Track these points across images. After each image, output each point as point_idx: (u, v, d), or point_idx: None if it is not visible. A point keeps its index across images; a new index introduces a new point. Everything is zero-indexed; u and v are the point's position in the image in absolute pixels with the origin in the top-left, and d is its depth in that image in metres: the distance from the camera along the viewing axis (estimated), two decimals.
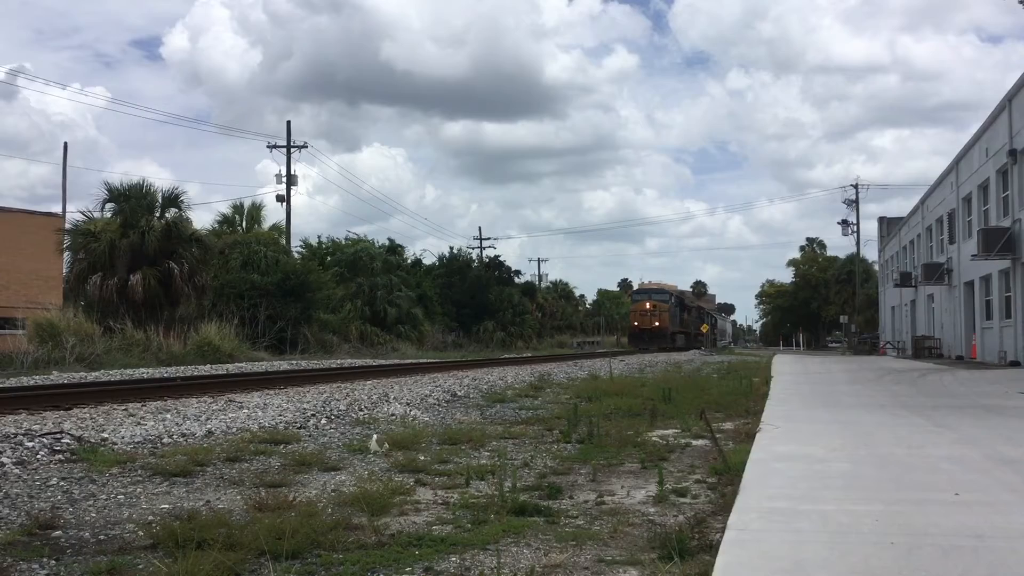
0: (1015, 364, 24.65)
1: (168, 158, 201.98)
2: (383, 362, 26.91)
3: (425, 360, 28.63)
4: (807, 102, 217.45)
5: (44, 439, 7.20)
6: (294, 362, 26.79)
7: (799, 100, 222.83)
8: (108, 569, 3.83)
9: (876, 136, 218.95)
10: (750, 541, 3.85)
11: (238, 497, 5.40)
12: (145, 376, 17.29)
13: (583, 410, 10.50)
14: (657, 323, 58.08)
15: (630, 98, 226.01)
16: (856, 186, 59.68)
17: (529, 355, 39.03)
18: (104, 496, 5.46)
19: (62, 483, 5.82)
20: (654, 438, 8.45)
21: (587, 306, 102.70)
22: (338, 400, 11.59)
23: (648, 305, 59.34)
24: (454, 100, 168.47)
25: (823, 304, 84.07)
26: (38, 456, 6.69)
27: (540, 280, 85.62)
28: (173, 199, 31.47)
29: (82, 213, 32.42)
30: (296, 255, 42.47)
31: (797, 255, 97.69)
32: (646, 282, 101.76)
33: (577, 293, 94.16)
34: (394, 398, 12.23)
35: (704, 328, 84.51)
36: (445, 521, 4.85)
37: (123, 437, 7.67)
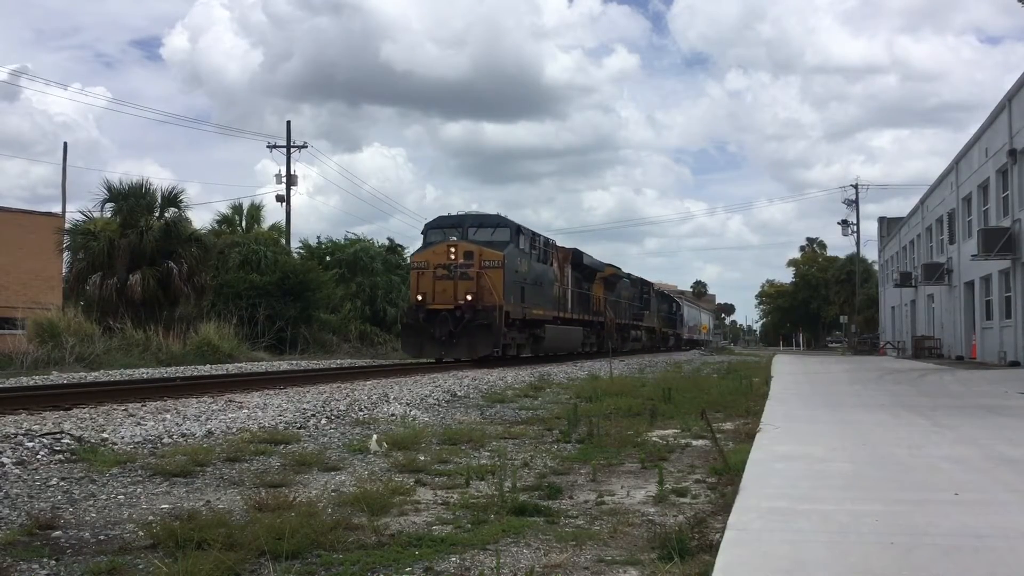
0: (1015, 364, 24.65)
1: (168, 158, 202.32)
2: (383, 362, 26.86)
3: (425, 360, 28.57)
4: (806, 102, 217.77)
5: (44, 439, 7.19)
6: (294, 362, 26.78)
7: (798, 100, 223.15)
8: (108, 569, 3.83)
9: (875, 136, 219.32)
10: (750, 541, 3.85)
11: (238, 497, 5.40)
12: (145, 376, 17.28)
13: (583, 410, 10.50)
14: (469, 295, 23.03)
15: (630, 99, 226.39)
16: (856, 186, 59.77)
17: (528, 355, 38.91)
18: (104, 496, 5.46)
19: (62, 483, 5.81)
20: (654, 438, 8.45)
21: None
22: (338, 400, 11.59)
23: (451, 254, 23.53)
24: (454, 100, 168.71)
25: (823, 304, 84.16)
26: (38, 456, 6.69)
27: None
28: (172, 199, 31.47)
29: (82, 213, 32.43)
30: (296, 255, 42.48)
31: (797, 255, 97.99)
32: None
33: None
34: (394, 398, 12.22)
35: (704, 328, 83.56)
36: (445, 521, 4.85)
37: (123, 437, 7.67)
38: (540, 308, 26.65)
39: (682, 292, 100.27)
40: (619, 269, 41.03)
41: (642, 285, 48.43)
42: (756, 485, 5.11)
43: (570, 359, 32.30)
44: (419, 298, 23.26)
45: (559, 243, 34.44)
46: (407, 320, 23.91)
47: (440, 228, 24.95)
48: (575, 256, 32.17)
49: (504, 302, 23.04)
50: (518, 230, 25.18)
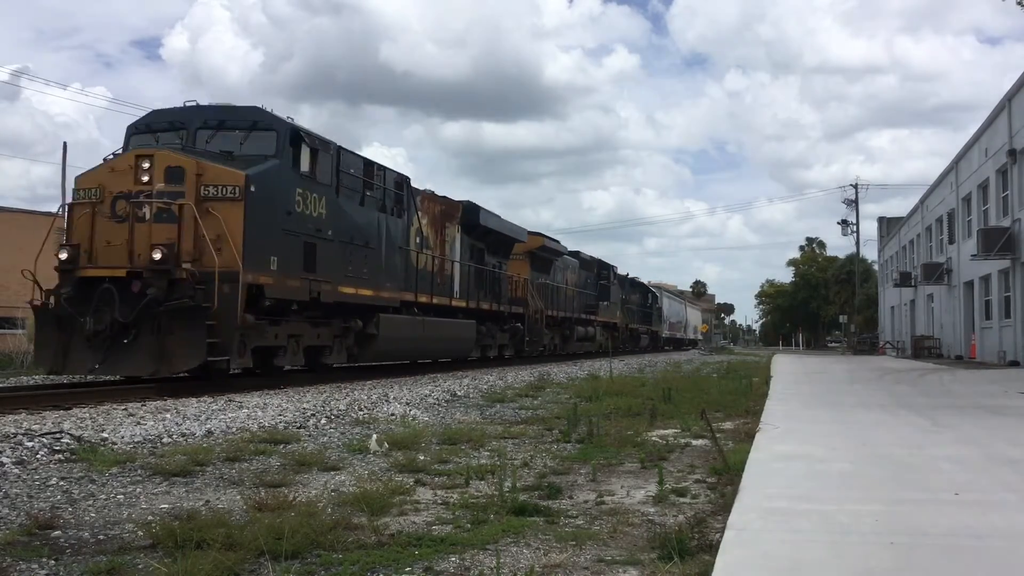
0: (1015, 364, 24.66)
1: None
2: (383, 362, 26.77)
3: (425, 360, 28.24)
4: (806, 103, 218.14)
5: (44, 439, 7.19)
6: None
7: (798, 101, 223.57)
8: (108, 569, 3.83)
9: (875, 136, 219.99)
10: (750, 541, 3.85)
11: (238, 497, 5.39)
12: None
13: (583, 410, 10.50)
14: (159, 252, 11.48)
15: (630, 99, 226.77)
16: (856, 186, 59.67)
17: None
18: (104, 496, 5.45)
19: (62, 483, 5.81)
20: (654, 438, 8.45)
21: None
22: (338, 400, 11.59)
23: (142, 172, 11.83)
24: (454, 101, 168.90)
25: (823, 304, 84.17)
26: (38, 456, 6.68)
27: None
28: None
29: None
30: None
31: (797, 255, 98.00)
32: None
33: None
34: (394, 398, 12.23)
35: (703, 328, 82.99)
36: (445, 521, 4.85)
37: (123, 437, 7.67)
38: (367, 285, 15.41)
39: (682, 292, 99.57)
40: (557, 243, 30.47)
41: (598, 268, 37.19)
42: (756, 485, 5.11)
43: (570, 359, 31.65)
44: (63, 257, 12.26)
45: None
46: (42, 300, 12.58)
47: (151, 132, 13.75)
48: (467, 214, 20.91)
49: (246, 265, 12.04)
50: (294, 137, 13.35)
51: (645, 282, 55.08)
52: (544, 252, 28.56)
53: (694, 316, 79.88)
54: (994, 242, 25.76)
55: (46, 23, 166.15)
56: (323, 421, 9.56)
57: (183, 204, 11.97)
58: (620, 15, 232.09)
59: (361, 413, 10.32)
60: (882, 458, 6.28)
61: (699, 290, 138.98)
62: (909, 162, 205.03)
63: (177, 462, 6.44)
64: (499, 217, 23.64)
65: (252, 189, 12.39)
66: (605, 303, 37.50)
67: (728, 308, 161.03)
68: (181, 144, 13.09)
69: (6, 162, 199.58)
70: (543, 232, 29.75)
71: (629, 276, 47.70)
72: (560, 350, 30.84)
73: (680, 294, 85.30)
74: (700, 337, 78.76)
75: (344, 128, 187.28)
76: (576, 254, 34.69)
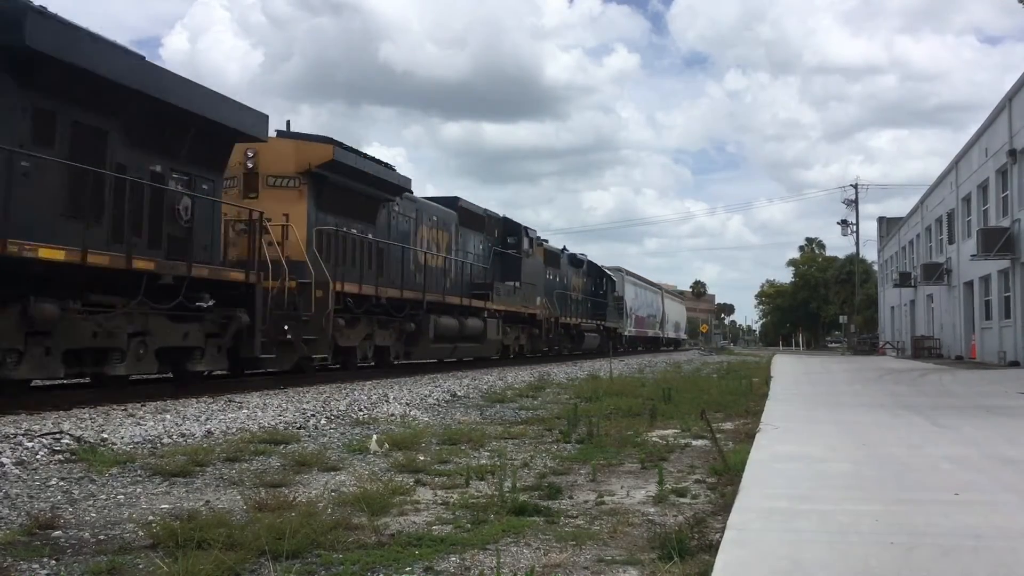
0: (1014, 364, 24.67)
1: None
2: None
3: (424, 360, 28.16)
4: (805, 103, 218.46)
5: (44, 439, 7.19)
6: None
7: (797, 101, 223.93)
8: (108, 569, 3.83)
9: (874, 136, 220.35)
10: (750, 541, 3.85)
11: (238, 497, 5.40)
12: (145, 376, 17.24)
13: (583, 410, 10.50)
14: None
15: (630, 99, 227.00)
16: (856, 186, 59.68)
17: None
18: (104, 496, 5.46)
19: (62, 483, 5.81)
20: (654, 438, 8.45)
21: None
22: (338, 400, 11.59)
23: None
24: (454, 101, 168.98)
25: (823, 304, 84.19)
26: (38, 456, 6.68)
27: None
28: None
29: None
30: None
31: (796, 255, 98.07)
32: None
33: None
34: (394, 398, 12.23)
35: (703, 328, 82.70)
36: (445, 521, 4.85)
37: (123, 437, 7.67)
38: None
39: (682, 292, 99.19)
40: (389, 169, 17.43)
41: (503, 231, 25.21)
42: (756, 485, 5.11)
43: (570, 359, 31.80)
44: None
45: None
46: None
47: None
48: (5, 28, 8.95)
49: None
50: None
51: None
52: (345, 177, 15.74)
53: (675, 311, 63.51)
54: (994, 242, 25.78)
55: None
56: (323, 421, 9.56)
57: None
58: (620, 15, 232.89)
59: (361, 413, 10.33)
60: (882, 458, 6.28)
61: (699, 290, 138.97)
62: (909, 162, 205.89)
63: (177, 462, 6.44)
64: (158, 69, 11.40)
65: None
66: (513, 284, 24.90)
67: (728, 308, 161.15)
68: None
69: None
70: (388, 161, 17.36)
71: (567, 250, 33.78)
72: (395, 357, 18.43)
73: (681, 294, 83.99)
74: (684, 337, 66.96)
75: (344, 128, 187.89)
76: (454, 201, 22.15)
